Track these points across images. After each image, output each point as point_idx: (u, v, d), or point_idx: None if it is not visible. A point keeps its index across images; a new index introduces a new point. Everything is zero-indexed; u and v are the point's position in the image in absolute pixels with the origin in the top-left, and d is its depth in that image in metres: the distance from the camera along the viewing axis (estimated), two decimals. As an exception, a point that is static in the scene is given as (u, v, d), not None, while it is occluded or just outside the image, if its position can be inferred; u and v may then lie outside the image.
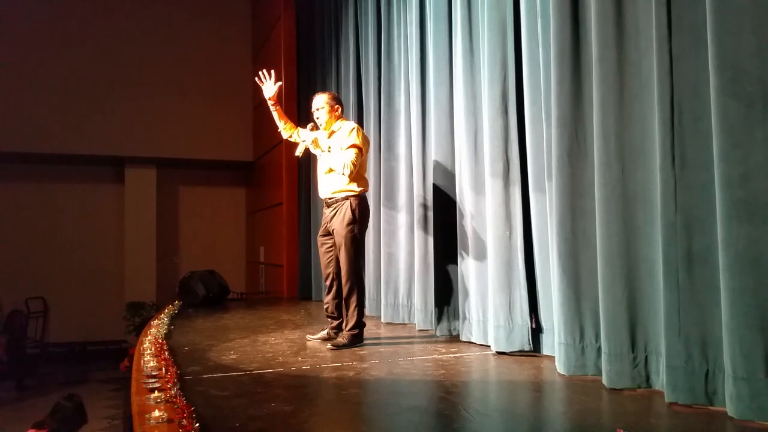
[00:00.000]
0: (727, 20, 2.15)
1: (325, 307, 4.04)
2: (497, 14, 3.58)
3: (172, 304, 6.28)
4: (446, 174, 4.25)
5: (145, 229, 9.99)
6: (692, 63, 2.35)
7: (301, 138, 4.10)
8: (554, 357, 3.05)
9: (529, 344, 3.38)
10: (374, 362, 3.34)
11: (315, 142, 3.98)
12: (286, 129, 4.24)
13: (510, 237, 3.47)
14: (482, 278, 3.74)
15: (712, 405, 2.28)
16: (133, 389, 2.69)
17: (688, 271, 2.33)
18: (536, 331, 3.42)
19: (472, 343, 3.82)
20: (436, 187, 4.34)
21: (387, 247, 5.00)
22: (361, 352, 3.63)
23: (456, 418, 2.32)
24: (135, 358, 3.56)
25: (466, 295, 3.92)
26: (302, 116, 6.85)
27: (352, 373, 3.06)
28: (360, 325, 3.84)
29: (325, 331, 4.03)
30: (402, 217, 4.91)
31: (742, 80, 2.12)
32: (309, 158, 6.30)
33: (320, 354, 3.59)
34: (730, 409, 2.15)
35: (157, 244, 10.05)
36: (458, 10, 3.99)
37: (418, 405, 2.54)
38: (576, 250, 2.89)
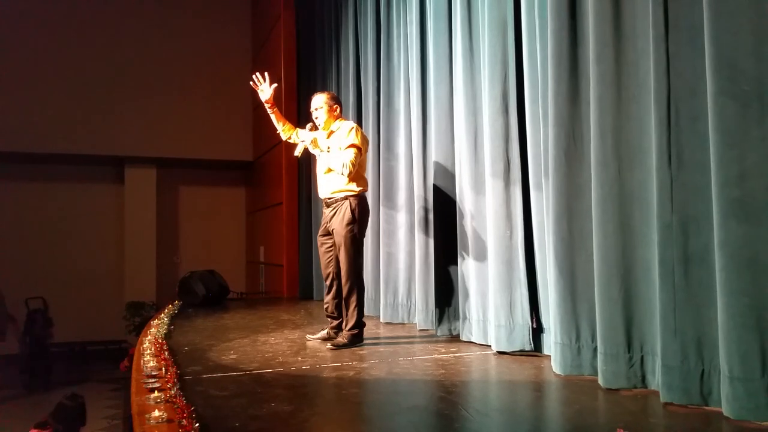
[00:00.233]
0: (724, 20, 2.15)
1: (325, 306, 4.04)
2: (497, 14, 3.58)
3: (172, 304, 6.28)
4: (446, 174, 4.25)
5: (145, 229, 9.99)
6: (689, 63, 2.35)
7: (300, 138, 4.10)
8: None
9: (530, 344, 3.39)
10: (374, 362, 3.35)
11: (314, 142, 3.98)
12: (284, 130, 4.24)
13: (511, 237, 3.48)
14: (483, 278, 3.75)
15: (707, 405, 2.29)
16: (133, 389, 2.69)
17: (684, 271, 2.33)
18: (537, 331, 3.42)
19: (473, 342, 3.82)
20: (436, 187, 4.35)
21: (386, 246, 5.00)
22: (360, 352, 3.63)
23: (456, 417, 2.33)
24: (135, 358, 3.57)
25: (467, 294, 3.93)
26: (302, 116, 6.84)
27: (352, 373, 3.07)
28: (360, 324, 3.84)
29: (325, 331, 4.04)
30: (401, 217, 4.92)
31: (738, 80, 2.12)
32: (309, 158, 6.30)
33: (320, 354, 3.59)
34: (725, 409, 2.15)
35: (157, 244, 10.05)
36: (458, 9, 4.00)
37: (418, 405, 2.55)
38: (572, 249, 2.89)
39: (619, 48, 2.69)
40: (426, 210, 4.48)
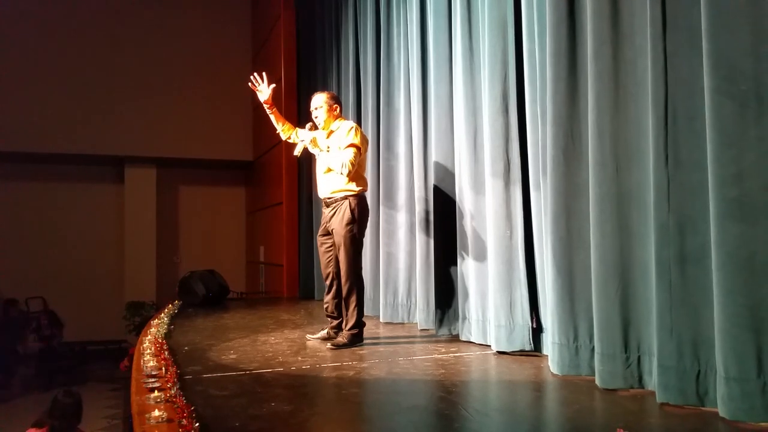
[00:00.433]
0: (722, 19, 2.15)
1: (325, 306, 4.05)
2: (497, 13, 3.58)
3: (172, 304, 6.28)
4: (446, 173, 4.25)
5: (145, 228, 10.00)
6: (687, 62, 2.35)
7: (300, 138, 4.10)
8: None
9: (530, 344, 3.39)
10: (374, 362, 3.35)
11: (314, 141, 3.98)
12: (284, 130, 4.24)
13: (510, 236, 3.48)
14: (483, 278, 3.75)
15: (703, 405, 2.28)
16: (133, 389, 2.70)
17: (681, 271, 2.33)
18: (537, 331, 3.43)
19: (472, 342, 3.82)
20: (436, 187, 4.35)
21: (386, 246, 5.01)
22: (360, 352, 3.64)
23: (456, 417, 2.33)
24: (135, 357, 3.57)
25: (467, 294, 3.93)
26: (302, 116, 6.85)
27: (351, 373, 3.07)
28: (360, 324, 3.85)
29: (325, 331, 4.04)
30: (401, 217, 4.92)
31: (736, 79, 2.12)
32: (309, 157, 6.30)
33: (320, 353, 3.60)
34: (721, 409, 2.14)
35: (157, 243, 10.06)
36: (458, 9, 4.00)
37: (417, 404, 2.55)
38: (571, 249, 2.89)
39: (617, 46, 2.69)
40: (426, 210, 4.48)
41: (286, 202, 7.89)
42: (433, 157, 4.37)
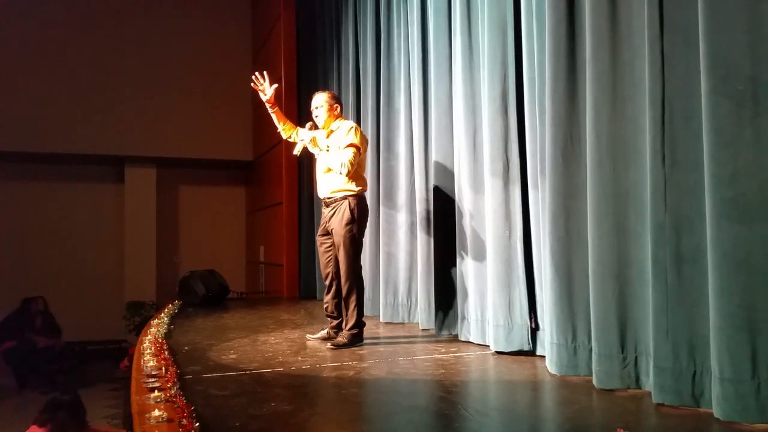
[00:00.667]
0: (719, 19, 2.15)
1: (325, 306, 4.05)
2: (497, 13, 3.58)
3: (172, 304, 6.29)
4: (446, 173, 4.26)
5: (145, 228, 10.00)
6: (684, 62, 2.35)
7: (300, 137, 4.11)
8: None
9: (529, 344, 3.39)
10: (374, 362, 3.35)
11: (313, 141, 3.99)
12: (285, 130, 4.25)
13: (509, 236, 3.48)
14: (482, 278, 3.75)
15: (699, 406, 2.28)
16: (133, 389, 2.70)
17: (677, 271, 2.33)
18: (535, 331, 3.43)
19: (472, 342, 3.83)
20: (436, 187, 4.36)
21: (386, 246, 5.01)
22: (360, 352, 3.64)
23: (456, 417, 2.34)
24: (135, 357, 3.58)
25: (466, 294, 3.94)
26: (302, 116, 6.85)
27: (351, 373, 3.08)
28: (360, 324, 3.85)
29: (325, 331, 4.05)
30: (401, 217, 4.93)
31: (733, 79, 2.12)
32: (309, 157, 6.30)
33: (320, 353, 3.60)
34: (716, 410, 2.14)
35: (157, 243, 10.05)
36: (458, 9, 4.01)
37: (417, 404, 2.56)
38: (569, 249, 2.89)
39: (615, 46, 2.69)
40: (427, 210, 4.49)
41: (286, 202, 7.90)
42: (433, 157, 4.38)
